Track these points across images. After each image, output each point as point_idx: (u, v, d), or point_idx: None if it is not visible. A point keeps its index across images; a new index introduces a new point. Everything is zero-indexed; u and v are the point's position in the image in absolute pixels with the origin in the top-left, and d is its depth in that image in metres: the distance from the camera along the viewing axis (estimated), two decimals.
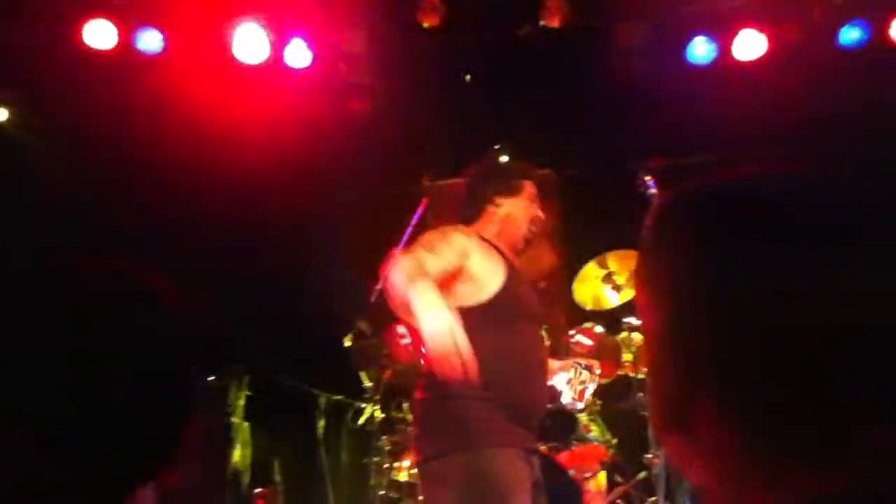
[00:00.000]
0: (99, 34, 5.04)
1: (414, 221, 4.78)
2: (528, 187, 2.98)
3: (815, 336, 0.66)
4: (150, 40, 5.20)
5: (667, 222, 0.76)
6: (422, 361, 2.81)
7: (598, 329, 4.37)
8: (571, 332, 4.43)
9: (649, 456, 3.87)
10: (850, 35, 5.16)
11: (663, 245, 0.76)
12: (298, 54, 5.39)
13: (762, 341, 0.67)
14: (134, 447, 0.87)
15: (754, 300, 0.68)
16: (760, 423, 0.68)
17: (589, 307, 4.61)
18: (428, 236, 2.74)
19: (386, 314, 4.50)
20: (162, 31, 5.21)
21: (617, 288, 4.50)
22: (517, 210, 2.92)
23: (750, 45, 5.26)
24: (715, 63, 5.38)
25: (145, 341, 0.89)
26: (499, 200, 2.92)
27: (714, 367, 0.70)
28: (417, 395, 2.75)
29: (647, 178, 3.96)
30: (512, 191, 2.92)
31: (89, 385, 0.84)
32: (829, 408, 0.66)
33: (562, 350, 4.40)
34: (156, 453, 0.91)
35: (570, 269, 4.83)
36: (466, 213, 2.98)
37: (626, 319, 4.35)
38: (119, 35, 5.11)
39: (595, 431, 4.24)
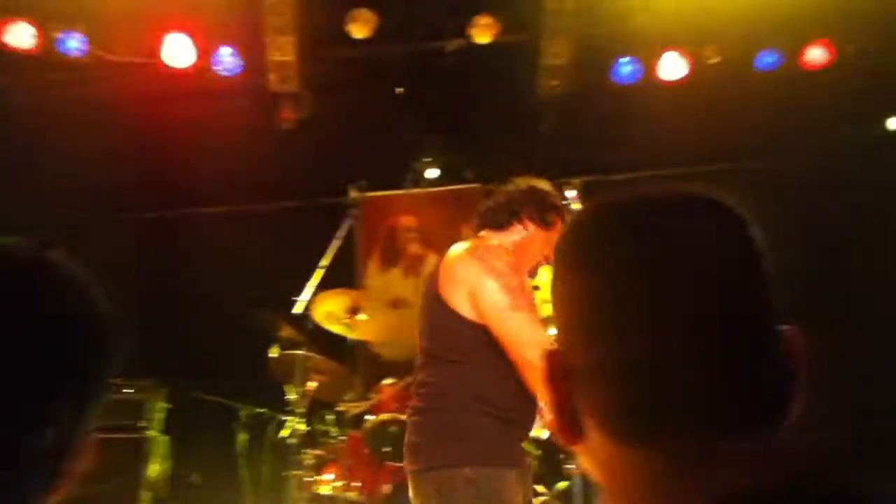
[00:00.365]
0: (20, 36, 4.92)
1: (342, 233, 4.76)
2: (559, 227, 2.93)
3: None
4: (72, 43, 5.09)
5: (557, 246, 0.81)
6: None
7: None
8: None
9: (569, 466, 3.92)
10: (766, 59, 5.37)
11: (556, 266, 0.82)
12: (227, 62, 5.33)
13: (601, 364, 0.74)
14: (27, 457, 0.80)
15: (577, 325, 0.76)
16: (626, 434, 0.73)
17: None
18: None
19: (310, 326, 4.50)
20: (86, 35, 5.11)
21: (546, 301, 4.54)
22: (539, 242, 2.88)
23: (672, 66, 5.42)
24: (638, 83, 5.52)
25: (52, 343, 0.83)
26: (529, 225, 2.87)
27: (586, 381, 0.75)
28: (419, 403, 2.68)
29: (570, 194, 4.03)
30: (546, 223, 2.87)
31: None
32: (690, 419, 0.70)
33: None
34: (48, 466, 0.83)
35: None
36: (497, 218, 2.92)
37: (551, 331, 4.39)
38: (40, 37, 5.00)
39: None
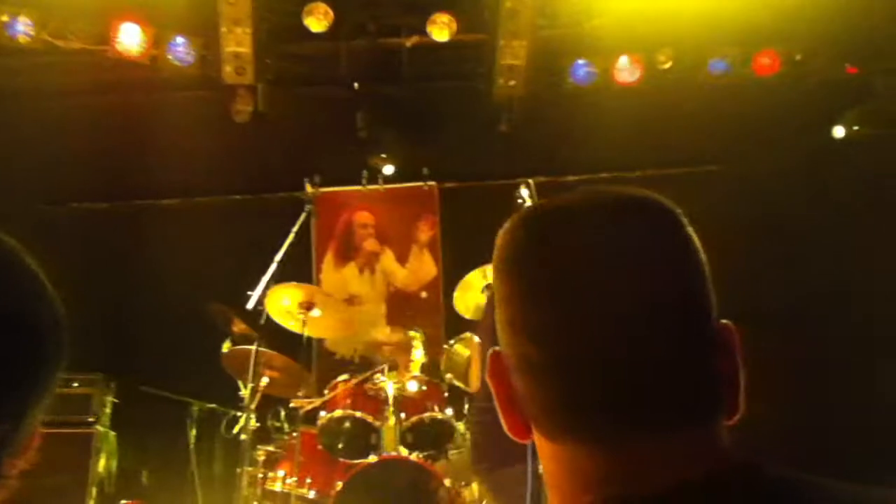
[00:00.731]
0: None
1: (295, 228, 4.72)
2: None
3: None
4: (20, 27, 4.97)
5: (495, 249, 0.83)
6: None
7: (476, 339, 4.42)
8: (451, 342, 4.48)
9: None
10: (718, 65, 5.48)
11: (494, 269, 0.83)
12: (181, 52, 5.26)
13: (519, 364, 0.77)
14: None
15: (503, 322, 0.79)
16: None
17: (469, 316, 4.66)
18: None
19: (264, 321, 4.47)
20: (33, 21, 4.99)
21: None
22: None
23: (627, 70, 5.50)
24: (594, 85, 5.58)
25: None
26: None
27: (520, 379, 0.77)
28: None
29: (523, 195, 4.07)
30: None
31: None
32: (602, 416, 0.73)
33: (441, 360, 4.43)
34: None
35: (453, 279, 4.88)
36: None
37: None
38: None
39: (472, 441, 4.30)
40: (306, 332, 4.53)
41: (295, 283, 4.53)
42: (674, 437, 0.71)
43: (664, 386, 0.72)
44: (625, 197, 0.80)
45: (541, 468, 0.80)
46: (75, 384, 4.36)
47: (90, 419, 4.26)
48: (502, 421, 0.81)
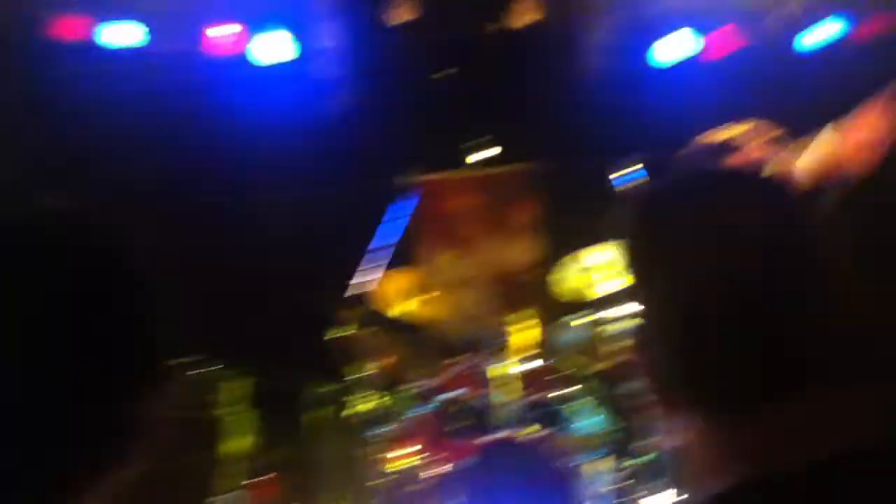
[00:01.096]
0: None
1: (399, 214, 4.81)
2: None
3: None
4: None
5: (637, 214, 0.86)
6: None
7: (588, 317, 4.47)
8: (561, 321, 4.54)
9: (652, 439, 3.97)
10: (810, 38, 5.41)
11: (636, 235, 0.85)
12: (273, 47, 5.37)
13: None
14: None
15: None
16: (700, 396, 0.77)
17: (567, 300, 4.71)
18: None
19: (373, 307, 4.56)
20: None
21: (595, 281, 4.60)
22: None
23: (722, 43, 5.46)
24: (683, 62, 5.55)
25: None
26: None
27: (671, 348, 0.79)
28: None
29: (623, 172, 4.09)
30: None
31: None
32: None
33: (556, 338, 4.49)
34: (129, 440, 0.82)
35: (550, 262, 4.92)
36: None
37: (602, 313, 4.44)
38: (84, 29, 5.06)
39: (594, 417, 4.33)
40: (412, 317, 4.63)
41: (401, 268, 4.64)
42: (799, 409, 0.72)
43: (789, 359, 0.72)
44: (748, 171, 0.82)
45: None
46: (204, 369, 4.50)
47: (220, 403, 4.39)
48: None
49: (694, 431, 0.77)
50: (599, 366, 4.38)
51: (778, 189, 0.81)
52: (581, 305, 4.69)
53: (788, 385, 0.71)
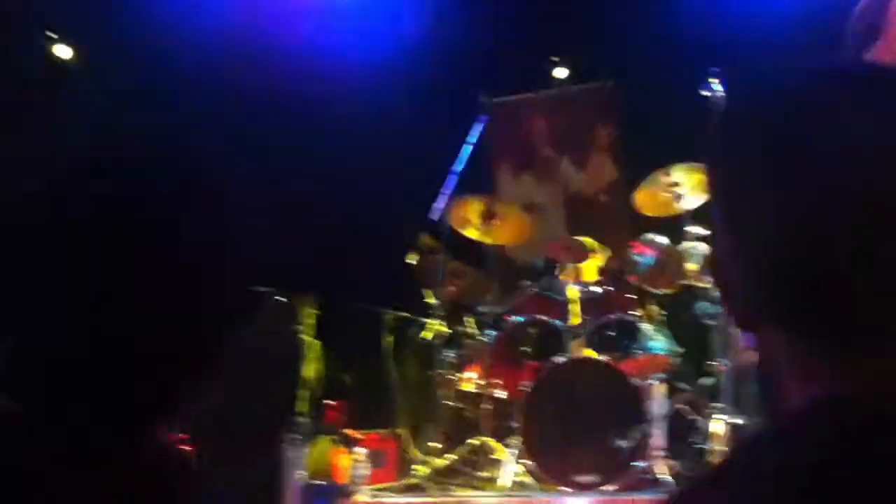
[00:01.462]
0: None
1: (474, 138, 4.77)
2: None
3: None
4: None
5: (725, 134, 0.78)
6: None
7: (661, 239, 4.34)
8: (635, 244, 4.42)
9: (713, 363, 3.89)
10: None
11: (722, 156, 0.78)
12: None
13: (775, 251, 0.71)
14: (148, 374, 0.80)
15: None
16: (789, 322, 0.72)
17: (652, 214, 4.57)
18: None
19: (447, 231, 4.58)
20: None
21: (681, 197, 4.43)
22: None
23: None
24: None
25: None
26: None
27: (758, 272, 0.73)
28: None
29: (712, 87, 3.89)
30: None
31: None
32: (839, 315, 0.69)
33: (625, 263, 4.40)
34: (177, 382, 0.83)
35: (633, 181, 4.77)
36: None
37: (689, 229, 4.30)
38: None
39: (659, 340, 4.26)
40: (487, 241, 4.63)
41: (479, 192, 4.62)
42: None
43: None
44: (871, 71, 0.74)
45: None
46: (281, 297, 4.68)
47: (297, 328, 4.57)
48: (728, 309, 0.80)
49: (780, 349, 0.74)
50: (671, 288, 4.27)
51: None
52: (660, 225, 4.56)
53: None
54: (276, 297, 4.51)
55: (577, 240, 4.41)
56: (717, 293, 4.00)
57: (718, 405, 3.80)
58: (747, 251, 0.73)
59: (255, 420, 4.20)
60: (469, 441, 4.08)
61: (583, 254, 4.34)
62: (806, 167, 0.69)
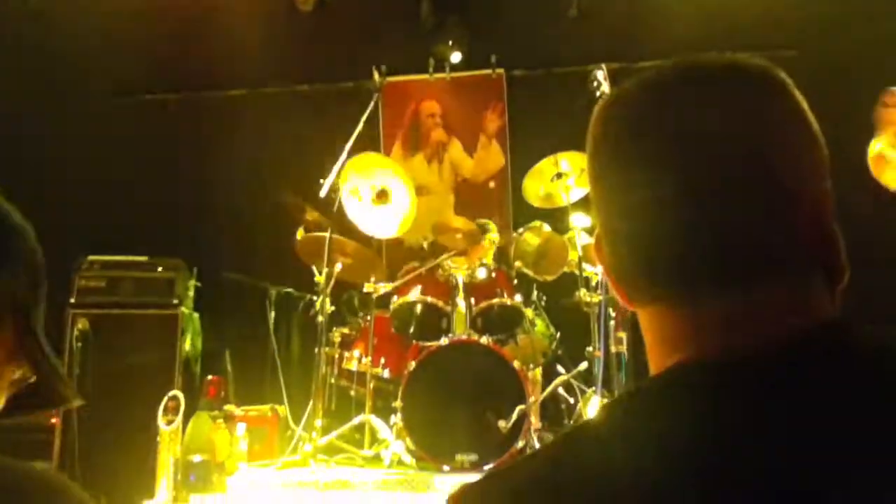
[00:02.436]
0: None
1: (364, 117, 4.75)
2: None
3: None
4: None
5: (596, 125, 0.83)
6: None
7: (546, 228, 4.47)
8: (519, 230, 4.53)
9: (590, 349, 4.04)
10: None
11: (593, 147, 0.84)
12: None
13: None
14: None
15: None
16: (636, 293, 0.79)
17: (537, 205, 4.70)
18: None
19: (335, 209, 4.56)
20: None
21: (566, 187, 4.57)
22: None
23: None
24: None
25: None
26: None
27: (611, 256, 0.81)
28: None
29: (599, 77, 4.01)
30: None
31: None
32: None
33: (510, 248, 4.50)
34: None
35: (522, 169, 4.88)
36: None
37: (573, 218, 4.44)
38: None
39: (539, 326, 4.41)
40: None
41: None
42: (752, 294, 0.71)
43: (738, 245, 0.72)
44: (723, 65, 0.79)
45: None
46: (160, 269, 4.55)
47: (174, 301, 4.45)
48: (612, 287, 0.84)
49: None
50: (553, 275, 4.41)
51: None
52: (545, 213, 4.69)
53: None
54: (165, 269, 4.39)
55: (471, 223, 4.47)
56: (595, 281, 4.17)
57: (592, 389, 3.97)
58: (608, 226, 0.80)
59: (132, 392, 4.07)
60: (352, 419, 4.10)
61: (476, 237, 4.40)
62: (653, 146, 0.75)
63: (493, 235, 4.52)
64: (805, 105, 0.78)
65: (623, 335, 3.74)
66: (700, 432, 0.66)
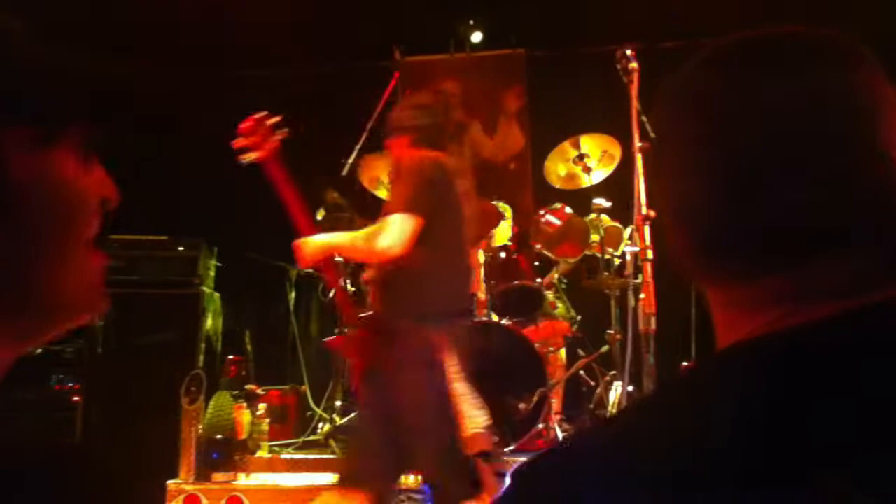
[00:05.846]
0: None
1: (385, 97, 4.74)
2: None
3: None
4: None
5: (663, 101, 0.82)
6: None
7: (567, 210, 4.44)
8: (541, 212, 4.51)
9: (611, 332, 4.03)
10: None
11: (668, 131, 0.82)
12: None
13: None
14: None
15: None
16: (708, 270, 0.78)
17: (559, 186, 4.67)
18: None
19: (356, 188, 4.55)
20: None
21: (587, 169, 4.55)
22: None
23: None
24: None
25: None
26: None
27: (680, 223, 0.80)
28: None
29: (626, 61, 3.96)
30: None
31: None
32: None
33: (531, 230, 4.48)
34: None
35: (543, 150, 4.85)
36: None
37: (595, 200, 4.42)
38: None
39: (560, 308, 4.39)
40: None
41: (385, 152, 4.58)
42: (811, 271, 0.71)
43: (796, 223, 0.71)
44: (787, 39, 0.78)
45: None
46: (181, 248, 4.56)
47: (195, 281, 4.46)
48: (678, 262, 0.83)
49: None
50: (574, 257, 4.39)
51: None
52: (566, 194, 4.67)
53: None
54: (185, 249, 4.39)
55: (492, 204, 4.45)
56: (616, 263, 4.15)
57: (612, 372, 3.96)
58: (674, 205, 0.79)
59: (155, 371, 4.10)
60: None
61: (496, 219, 4.38)
62: (723, 125, 0.75)
63: (511, 216, 4.51)
64: (879, 75, 0.76)
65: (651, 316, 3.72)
66: (738, 416, 0.65)
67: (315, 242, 2.88)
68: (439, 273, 2.80)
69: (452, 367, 2.79)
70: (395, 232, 2.69)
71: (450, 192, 2.86)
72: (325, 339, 3.69)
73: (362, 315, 2.90)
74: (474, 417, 2.81)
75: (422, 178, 2.78)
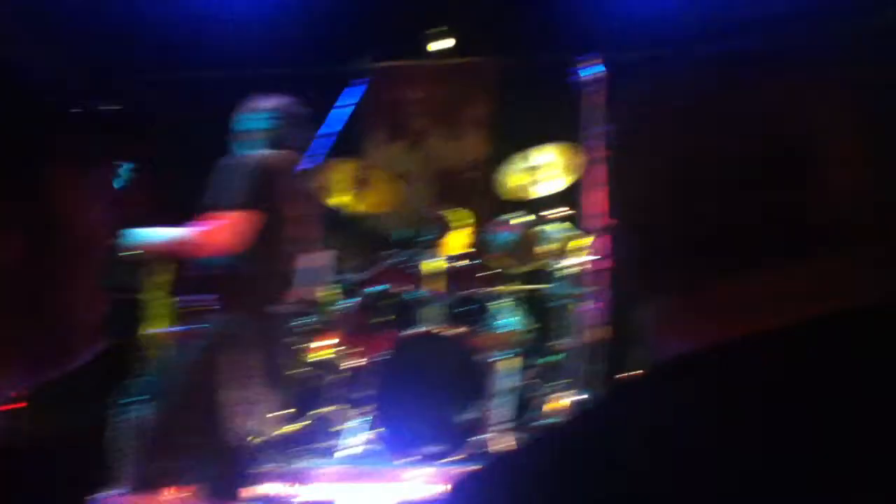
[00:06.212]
0: None
1: (351, 102, 4.71)
2: None
3: None
4: None
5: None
6: None
7: (522, 220, 4.43)
8: (497, 220, 4.51)
9: (559, 341, 4.02)
10: None
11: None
12: None
13: None
14: None
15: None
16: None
17: (510, 198, 4.68)
18: None
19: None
20: None
21: (539, 180, 4.56)
22: None
23: None
24: None
25: None
26: None
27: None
28: None
29: (580, 73, 3.97)
30: None
31: None
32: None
33: (486, 237, 4.47)
34: None
35: (504, 158, 4.84)
36: None
37: (546, 212, 4.43)
38: None
39: (511, 316, 4.37)
40: (356, 207, 4.61)
41: (346, 158, 4.58)
42: (787, 273, 0.70)
43: (776, 223, 0.70)
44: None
45: None
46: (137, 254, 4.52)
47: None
48: None
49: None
50: (526, 267, 4.38)
51: None
52: (520, 205, 4.66)
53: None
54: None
55: (449, 212, 4.45)
56: (567, 274, 4.14)
57: (562, 381, 3.94)
58: (626, 213, 0.79)
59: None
60: (317, 409, 4.09)
61: (454, 226, 4.39)
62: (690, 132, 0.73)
63: (470, 225, 4.50)
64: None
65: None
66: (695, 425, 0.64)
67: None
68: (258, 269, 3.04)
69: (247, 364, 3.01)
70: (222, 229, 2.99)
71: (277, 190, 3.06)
72: None
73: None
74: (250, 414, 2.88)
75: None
